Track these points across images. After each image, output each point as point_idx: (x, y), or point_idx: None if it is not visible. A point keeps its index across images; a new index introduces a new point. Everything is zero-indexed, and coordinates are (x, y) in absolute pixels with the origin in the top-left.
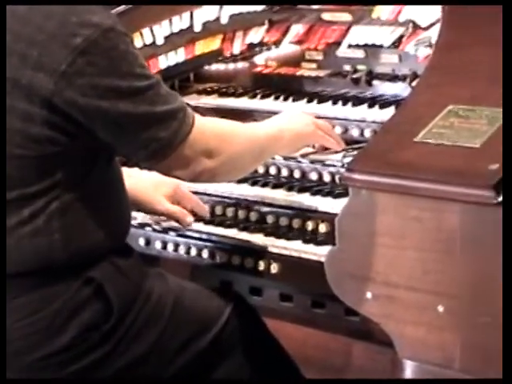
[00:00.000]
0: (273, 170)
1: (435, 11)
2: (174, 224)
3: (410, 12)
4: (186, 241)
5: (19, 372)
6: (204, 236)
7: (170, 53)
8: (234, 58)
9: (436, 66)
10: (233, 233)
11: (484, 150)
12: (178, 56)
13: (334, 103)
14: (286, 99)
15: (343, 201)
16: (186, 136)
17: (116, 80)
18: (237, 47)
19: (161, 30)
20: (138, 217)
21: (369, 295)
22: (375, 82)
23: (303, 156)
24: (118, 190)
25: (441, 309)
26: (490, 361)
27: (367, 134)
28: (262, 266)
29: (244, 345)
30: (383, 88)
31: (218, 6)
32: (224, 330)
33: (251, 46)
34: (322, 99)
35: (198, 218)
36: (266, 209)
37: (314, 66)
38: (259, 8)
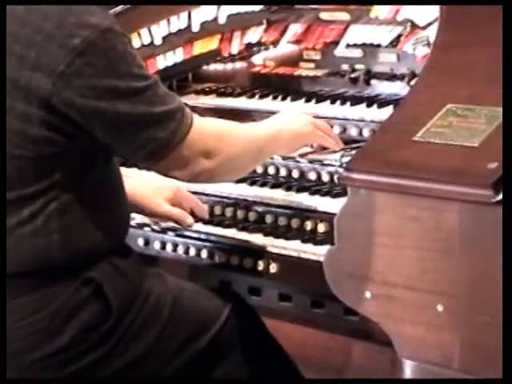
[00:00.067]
0: (271, 170)
1: (433, 10)
2: (172, 224)
3: (407, 11)
4: (184, 241)
5: (19, 372)
6: (203, 236)
7: (168, 53)
8: (232, 58)
9: (434, 66)
10: (232, 233)
11: (483, 149)
12: (176, 56)
13: (333, 103)
14: (284, 99)
15: (342, 200)
16: (184, 136)
17: (114, 80)
18: (235, 47)
19: (159, 30)
20: (137, 217)
21: (368, 295)
22: (373, 82)
23: (302, 156)
24: (117, 190)
25: (440, 308)
26: (489, 360)
27: (365, 133)
28: (260, 265)
29: (243, 345)
30: (381, 87)
31: (215, 6)
32: (223, 329)
33: (249, 45)
34: (320, 99)
35: (197, 219)
36: (264, 209)
37: (312, 65)
38: (257, 8)
